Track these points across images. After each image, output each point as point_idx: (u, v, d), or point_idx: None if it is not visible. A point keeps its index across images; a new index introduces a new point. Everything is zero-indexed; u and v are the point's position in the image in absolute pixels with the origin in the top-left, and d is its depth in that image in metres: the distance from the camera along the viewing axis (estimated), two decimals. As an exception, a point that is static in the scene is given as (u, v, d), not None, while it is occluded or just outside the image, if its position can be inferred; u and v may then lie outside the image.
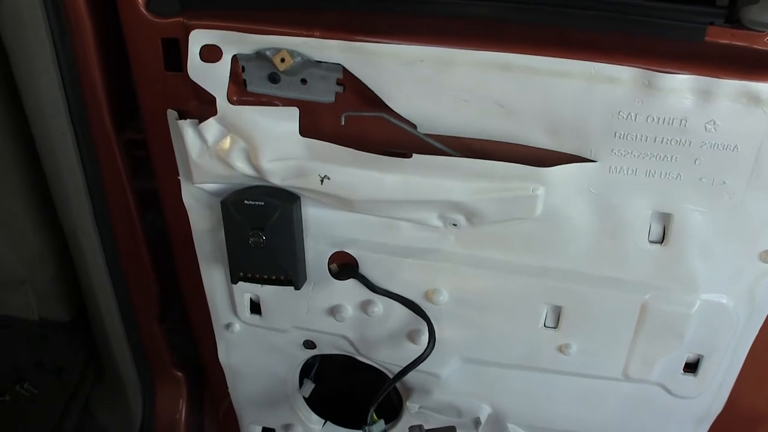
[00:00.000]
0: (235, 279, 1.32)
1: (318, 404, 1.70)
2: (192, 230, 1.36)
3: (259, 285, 1.36)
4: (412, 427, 1.34)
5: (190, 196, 1.31)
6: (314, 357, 1.58)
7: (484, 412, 1.50)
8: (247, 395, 1.68)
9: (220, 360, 1.58)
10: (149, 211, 1.50)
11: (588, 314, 1.29)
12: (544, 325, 1.33)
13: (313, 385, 1.65)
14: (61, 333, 1.86)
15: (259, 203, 1.23)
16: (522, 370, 1.41)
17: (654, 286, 1.24)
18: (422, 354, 1.35)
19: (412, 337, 1.39)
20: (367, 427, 1.36)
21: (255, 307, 1.45)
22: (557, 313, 1.31)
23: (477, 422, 1.50)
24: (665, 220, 1.18)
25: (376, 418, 1.38)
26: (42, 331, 1.86)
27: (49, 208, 1.54)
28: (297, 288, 1.32)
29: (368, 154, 1.18)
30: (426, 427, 1.36)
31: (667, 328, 1.27)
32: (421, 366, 1.36)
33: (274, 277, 1.31)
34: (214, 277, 1.42)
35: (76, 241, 1.52)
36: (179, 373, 1.82)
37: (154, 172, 1.37)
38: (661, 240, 1.20)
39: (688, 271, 1.22)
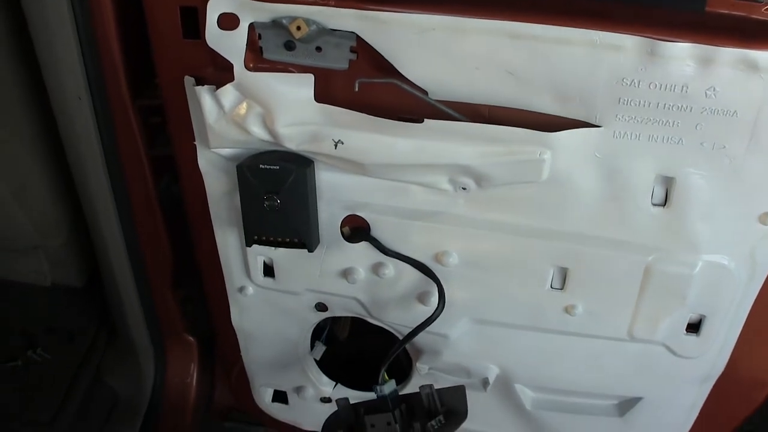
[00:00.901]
0: (249, 242, 1.34)
1: (329, 366, 1.73)
2: (207, 195, 1.38)
3: (273, 248, 1.38)
4: (422, 386, 1.35)
5: (206, 161, 1.33)
6: (325, 320, 1.60)
7: (492, 373, 1.53)
8: (259, 358, 1.70)
9: (233, 323, 1.60)
10: (164, 178, 1.52)
11: (593, 275, 1.32)
12: (551, 287, 1.35)
13: (324, 348, 1.68)
14: (73, 298, 1.90)
15: (274, 167, 1.25)
16: (529, 331, 1.44)
17: (657, 248, 1.27)
18: (432, 315, 1.37)
19: (422, 298, 1.42)
20: (378, 387, 1.37)
21: (268, 271, 1.47)
22: (563, 275, 1.33)
23: (485, 383, 1.53)
24: (668, 183, 1.21)
25: (387, 377, 1.39)
26: (54, 296, 1.89)
27: (65, 174, 1.57)
28: (310, 250, 1.34)
29: (381, 119, 1.20)
30: (436, 387, 1.38)
31: (671, 288, 1.30)
32: (431, 327, 1.39)
33: (287, 240, 1.33)
34: (228, 241, 1.44)
35: (92, 207, 1.55)
36: (191, 338, 1.84)
37: (171, 138, 1.39)
38: (664, 203, 1.23)
39: (690, 232, 1.25)
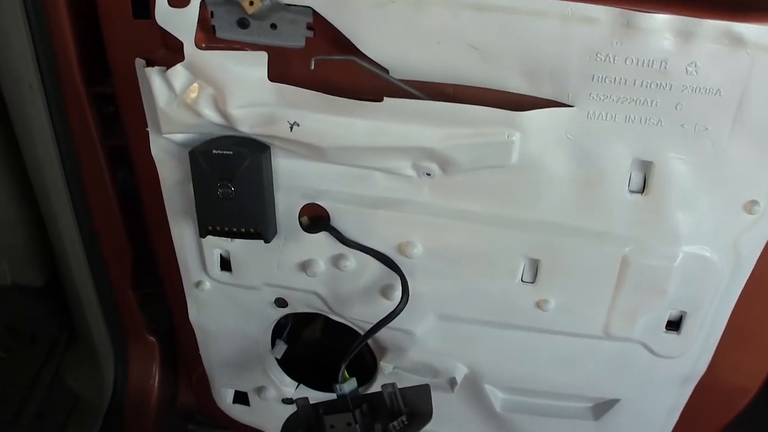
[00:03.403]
0: (203, 232, 1.28)
1: (291, 366, 1.68)
2: (161, 184, 1.33)
3: (229, 239, 1.33)
4: (384, 385, 1.30)
5: (159, 148, 1.27)
6: (286, 317, 1.55)
7: (460, 373, 1.47)
8: (219, 357, 1.64)
9: (191, 319, 1.54)
10: (121, 170, 1.47)
11: (566, 268, 1.26)
12: (521, 280, 1.30)
13: (285, 346, 1.62)
14: (34, 298, 1.82)
15: (227, 153, 1.19)
16: (499, 328, 1.38)
17: (635, 238, 1.21)
18: (395, 309, 1.31)
19: (385, 292, 1.36)
20: (338, 386, 1.31)
21: (225, 264, 1.42)
22: (535, 267, 1.28)
23: (453, 383, 1.47)
24: (646, 168, 1.15)
25: (347, 376, 1.33)
26: (14, 295, 1.81)
27: (22, 170, 1.51)
28: (267, 241, 1.28)
29: (339, 98, 1.15)
30: (400, 387, 1.32)
31: (649, 282, 1.24)
32: (395, 323, 1.33)
33: (243, 230, 1.27)
34: (183, 233, 1.39)
35: (47, 201, 1.50)
36: (152, 338, 1.79)
37: (123, 125, 1.34)
38: (642, 190, 1.17)
39: (670, 222, 1.19)
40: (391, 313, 1.32)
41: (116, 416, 1.82)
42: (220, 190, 1.22)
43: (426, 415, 1.27)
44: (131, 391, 1.83)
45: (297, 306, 1.47)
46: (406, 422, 1.25)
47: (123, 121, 1.33)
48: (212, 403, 1.77)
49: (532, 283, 1.29)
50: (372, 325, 1.35)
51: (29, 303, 1.82)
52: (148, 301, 1.71)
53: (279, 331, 1.61)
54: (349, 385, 1.31)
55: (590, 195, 1.19)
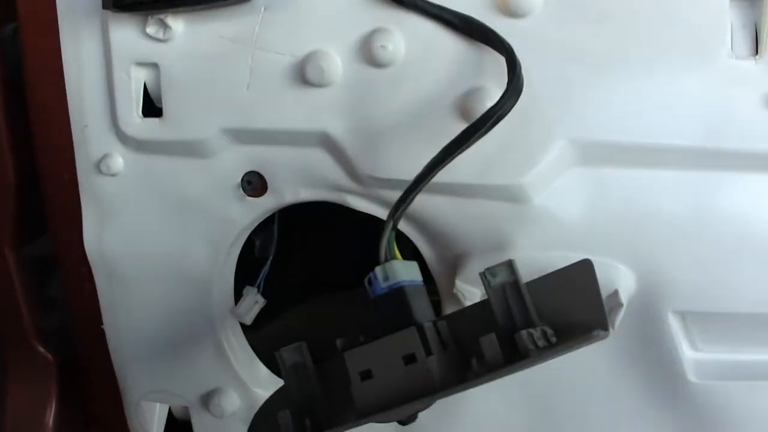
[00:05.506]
0: None
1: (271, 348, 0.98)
2: None
3: (160, 35, 0.77)
4: (488, 270, 0.61)
5: None
6: (266, 231, 0.91)
7: (626, 285, 0.76)
8: (134, 328, 0.95)
9: (86, 245, 0.90)
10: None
11: None
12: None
13: (261, 302, 0.92)
14: None
15: None
16: (700, 171, 0.72)
17: None
18: (491, 110, 0.64)
19: (467, 106, 0.71)
20: (378, 273, 0.63)
21: (151, 110, 0.83)
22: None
23: (610, 307, 0.76)
24: None
25: (399, 254, 0.66)
26: None
27: None
28: None
29: None
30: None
31: None
32: (481, 172, 0.72)
33: None
34: (81, 49, 0.83)
35: None
36: (46, 352, 1.16)
37: None
38: None
39: None
40: (474, 125, 0.65)
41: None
42: None
43: (596, 325, 0.58)
44: (8, 435, 1.29)
45: (285, 190, 0.83)
46: (551, 336, 0.59)
47: None
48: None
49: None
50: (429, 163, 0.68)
51: None
52: (42, 276, 1.11)
53: (247, 269, 0.93)
54: (404, 269, 0.63)
55: None
